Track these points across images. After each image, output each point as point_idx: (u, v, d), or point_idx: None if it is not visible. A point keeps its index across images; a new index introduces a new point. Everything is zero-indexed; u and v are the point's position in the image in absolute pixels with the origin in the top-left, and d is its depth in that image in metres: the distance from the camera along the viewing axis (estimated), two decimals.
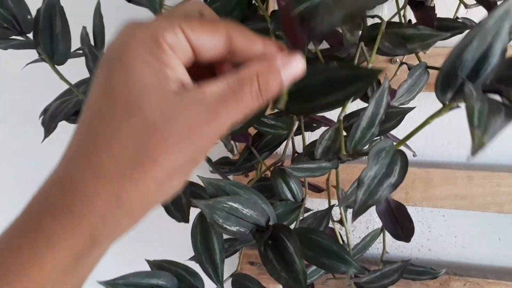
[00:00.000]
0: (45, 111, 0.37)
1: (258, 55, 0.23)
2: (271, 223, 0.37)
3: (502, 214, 0.63)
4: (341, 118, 0.37)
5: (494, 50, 0.24)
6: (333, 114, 0.49)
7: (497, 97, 0.23)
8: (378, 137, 0.43)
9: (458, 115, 0.60)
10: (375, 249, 0.74)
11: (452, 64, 0.24)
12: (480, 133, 0.19)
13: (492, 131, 0.19)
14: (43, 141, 0.37)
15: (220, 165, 0.53)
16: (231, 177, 0.70)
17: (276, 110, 0.53)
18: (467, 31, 0.42)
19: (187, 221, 0.40)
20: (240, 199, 0.35)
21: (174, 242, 0.66)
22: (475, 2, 0.40)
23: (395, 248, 0.74)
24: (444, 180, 0.62)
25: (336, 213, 0.49)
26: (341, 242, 0.52)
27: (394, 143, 0.27)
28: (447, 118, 0.58)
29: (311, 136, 0.71)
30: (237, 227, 0.35)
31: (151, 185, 0.20)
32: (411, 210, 0.71)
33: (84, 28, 0.43)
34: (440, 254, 0.72)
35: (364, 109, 0.31)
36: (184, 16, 0.22)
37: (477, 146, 0.19)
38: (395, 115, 0.39)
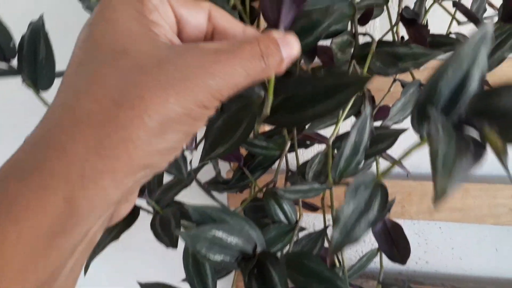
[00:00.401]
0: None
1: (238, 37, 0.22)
2: (258, 250, 0.36)
3: (498, 225, 0.62)
4: (330, 143, 0.36)
5: (472, 79, 0.23)
6: (328, 130, 0.49)
7: (472, 131, 0.22)
8: (372, 158, 0.42)
9: None
10: (372, 262, 0.73)
11: (428, 94, 0.23)
12: (444, 180, 0.17)
13: (456, 177, 0.17)
14: None
15: (214, 184, 0.52)
16: (225, 194, 0.69)
17: (267, 129, 0.52)
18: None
19: (175, 246, 0.39)
20: (225, 227, 0.34)
21: (169, 261, 0.65)
22: (466, 19, 0.39)
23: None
24: None
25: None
26: (337, 263, 0.51)
27: (375, 176, 0.26)
28: None
29: (305, 153, 0.70)
30: (222, 256, 0.34)
31: (140, 131, 0.17)
32: (407, 223, 0.70)
33: None
34: (437, 266, 0.71)
35: (346, 137, 0.31)
36: None
37: (440, 194, 0.17)
38: (389, 136, 0.38)
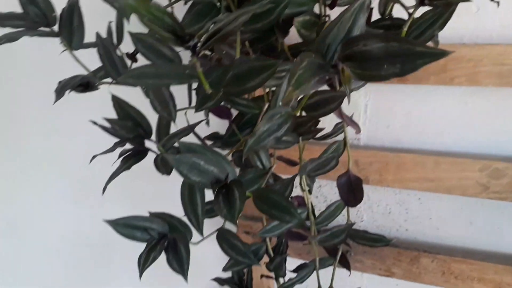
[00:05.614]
0: (59, 83, 0.49)
1: None
2: (230, 179, 0.47)
3: (474, 198, 0.69)
4: None
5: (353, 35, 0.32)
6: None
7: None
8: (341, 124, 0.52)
9: (437, 109, 0.69)
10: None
11: (319, 46, 0.32)
12: (292, 89, 0.27)
13: (302, 90, 0.27)
14: (54, 103, 0.48)
15: (211, 139, 0.64)
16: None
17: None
18: None
19: (169, 173, 0.51)
20: (204, 157, 0.45)
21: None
22: None
23: (376, 226, 0.82)
24: (414, 164, 0.70)
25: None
26: (310, 209, 0.61)
27: (290, 110, 0.36)
28: (426, 110, 0.66)
29: None
30: (199, 179, 0.45)
31: None
32: (389, 192, 0.79)
33: (110, 22, 0.56)
34: (416, 234, 0.79)
35: None
36: None
37: (286, 98, 0.27)
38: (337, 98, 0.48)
